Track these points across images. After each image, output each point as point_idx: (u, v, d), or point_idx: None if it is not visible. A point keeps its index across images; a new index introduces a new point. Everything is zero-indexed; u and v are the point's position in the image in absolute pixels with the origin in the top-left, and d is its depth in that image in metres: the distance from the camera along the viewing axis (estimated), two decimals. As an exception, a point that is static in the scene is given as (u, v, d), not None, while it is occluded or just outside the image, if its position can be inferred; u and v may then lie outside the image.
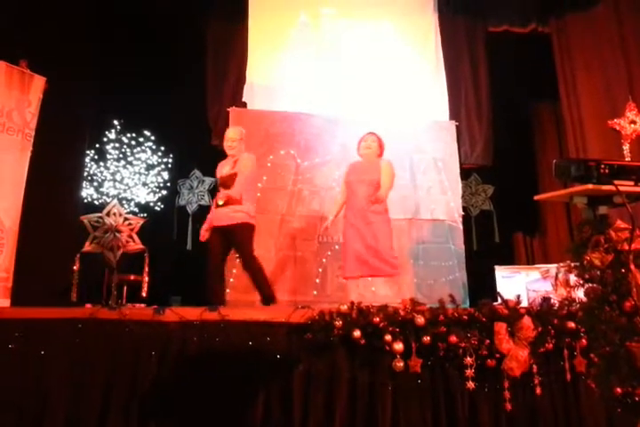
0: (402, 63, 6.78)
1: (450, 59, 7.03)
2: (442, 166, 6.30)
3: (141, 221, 4.99)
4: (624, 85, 6.09)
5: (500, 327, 2.92)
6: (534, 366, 2.98)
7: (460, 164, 6.55)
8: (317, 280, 5.63)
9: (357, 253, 4.42)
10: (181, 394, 2.85)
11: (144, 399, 2.84)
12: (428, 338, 2.90)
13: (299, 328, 2.96)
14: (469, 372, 2.91)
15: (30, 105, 4.34)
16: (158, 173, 7.20)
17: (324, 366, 2.91)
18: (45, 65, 4.48)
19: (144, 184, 7.10)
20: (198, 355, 2.91)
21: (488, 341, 2.93)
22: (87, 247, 4.75)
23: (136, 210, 6.88)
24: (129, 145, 7.07)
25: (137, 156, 7.11)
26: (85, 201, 6.52)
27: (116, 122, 6.97)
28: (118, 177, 6.97)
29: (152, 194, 7.13)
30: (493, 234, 7.24)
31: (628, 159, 4.76)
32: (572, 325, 3.05)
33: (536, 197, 2.48)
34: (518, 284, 5.33)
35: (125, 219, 4.90)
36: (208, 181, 6.83)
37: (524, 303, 3.32)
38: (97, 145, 6.84)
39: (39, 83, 4.40)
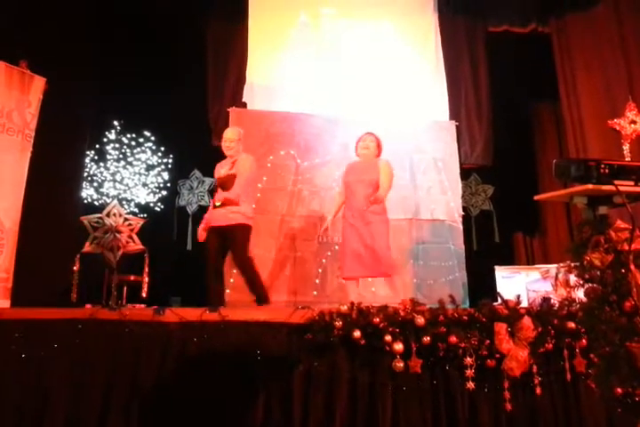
0: (402, 63, 6.78)
1: (450, 59, 7.03)
2: (442, 166, 6.30)
3: (141, 222, 4.98)
4: (624, 85, 6.09)
5: (500, 328, 2.92)
6: (534, 367, 2.98)
7: (460, 164, 6.55)
8: (317, 281, 5.62)
9: (355, 253, 4.42)
10: (181, 394, 2.85)
11: (144, 400, 2.84)
12: (428, 338, 2.90)
13: (299, 329, 2.96)
14: (469, 372, 2.91)
15: (30, 105, 4.34)
16: (158, 174, 7.21)
17: (324, 366, 2.91)
18: (45, 65, 4.48)
19: (144, 185, 7.11)
20: (198, 355, 2.91)
21: (488, 341, 2.93)
22: (87, 248, 4.75)
23: (136, 210, 6.88)
24: (129, 145, 7.07)
25: (137, 156, 7.11)
26: (85, 201, 6.53)
27: (116, 122, 6.97)
28: (118, 177, 6.98)
29: (152, 194, 7.13)
30: (493, 234, 7.24)
31: (628, 159, 4.76)
32: (572, 325, 3.05)
33: (536, 197, 2.48)
34: (518, 284, 5.33)
35: (125, 219, 4.89)
36: (208, 181, 6.84)
37: (524, 303, 3.32)
38: (97, 145, 6.84)
39: (39, 83, 4.40)
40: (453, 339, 2.91)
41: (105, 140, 6.94)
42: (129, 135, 7.06)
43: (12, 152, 4.18)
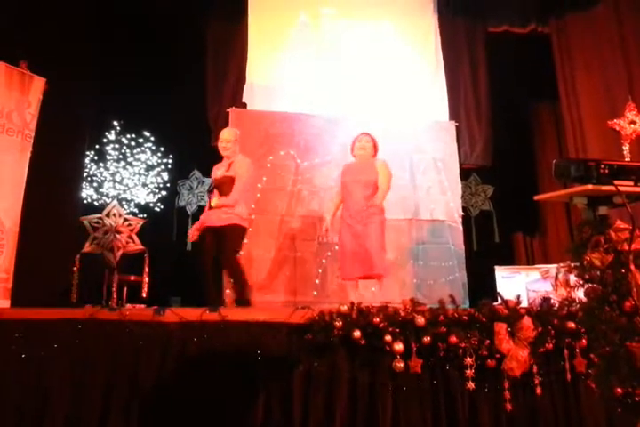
0: (402, 63, 6.78)
1: (449, 59, 7.03)
2: (441, 167, 6.30)
3: (141, 222, 5.00)
4: (624, 85, 6.10)
5: (500, 328, 2.92)
6: (534, 367, 2.98)
7: (460, 164, 6.55)
8: (317, 281, 5.63)
9: (353, 253, 4.43)
10: (182, 394, 2.85)
11: (144, 400, 2.84)
12: (429, 338, 2.90)
13: (299, 329, 2.96)
14: (469, 372, 2.91)
15: (30, 106, 4.33)
16: (158, 174, 7.21)
17: (324, 366, 2.91)
18: (45, 65, 4.48)
19: (144, 185, 7.11)
20: (198, 355, 2.91)
21: (488, 341, 2.93)
22: (87, 248, 4.76)
23: (136, 211, 6.89)
24: (129, 146, 7.07)
25: (137, 156, 7.11)
26: (85, 202, 6.53)
27: (115, 122, 6.97)
28: (118, 178, 6.98)
29: (152, 195, 7.13)
30: (493, 234, 7.24)
31: (627, 159, 4.76)
32: (572, 325, 3.05)
33: (536, 198, 2.48)
34: (518, 284, 5.34)
35: (125, 220, 4.91)
36: (208, 181, 6.81)
37: (524, 304, 3.32)
38: (97, 146, 6.85)
39: (39, 84, 4.40)
40: (453, 339, 2.91)
41: (105, 140, 6.94)
42: (129, 135, 7.06)
43: (11, 152, 4.18)
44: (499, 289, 5.25)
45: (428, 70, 6.90)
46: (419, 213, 6.11)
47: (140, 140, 7.14)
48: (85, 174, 6.60)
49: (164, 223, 6.86)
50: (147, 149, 7.17)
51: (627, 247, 2.06)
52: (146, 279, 4.93)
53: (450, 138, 6.49)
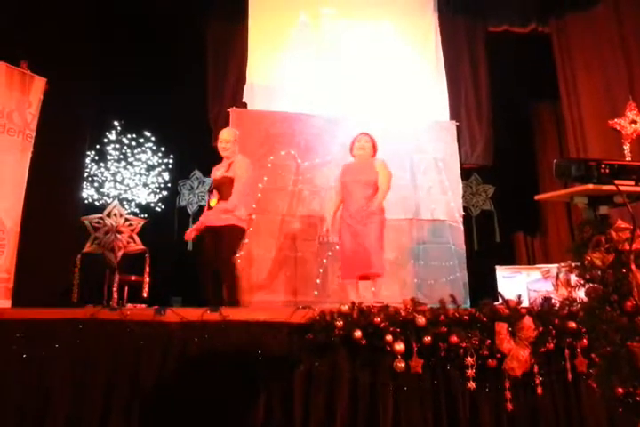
0: (402, 63, 6.78)
1: (450, 59, 7.03)
2: (442, 166, 6.30)
3: (142, 222, 5.00)
4: (624, 85, 6.09)
5: (501, 327, 2.92)
6: (535, 366, 2.98)
7: (461, 164, 6.55)
8: (318, 281, 5.62)
9: (353, 252, 4.43)
10: (182, 394, 2.85)
11: (145, 400, 2.84)
12: (429, 338, 2.91)
13: (300, 329, 2.96)
14: (470, 372, 2.91)
15: (31, 106, 4.33)
16: (159, 174, 7.21)
17: (325, 366, 2.91)
18: (45, 65, 4.48)
19: (145, 185, 7.11)
20: (199, 355, 2.91)
21: (489, 341, 2.93)
22: (88, 248, 4.76)
23: (137, 211, 6.89)
24: (129, 146, 7.07)
25: (137, 156, 7.12)
26: (86, 202, 6.53)
27: (116, 122, 6.97)
28: (119, 178, 6.98)
29: (153, 195, 7.14)
30: (494, 234, 7.25)
31: (628, 159, 4.75)
32: (573, 325, 3.06)
33: (537, 197, 2.48)
34: (519, 284, 5.33)
35: (126, 219, 4.91)
36: (208, 181, 6.81)
37: (525, 303, 3.33)
38: (97, 146, 6.85)
39: (39, 84, 4.40)
40: (454, 339, 2.92)
41: (105, 140, 6.94)
42: (129, 135, 7.07)
43: (12, 152, 4.18)
44: (499, 289, 5.25)
45: (429, 70, 6.90)
46: (419, 213, 6.11)
47: (141, 140, 7.14)
48: (86, 174, 6.60)
49: (164, 223, 6.86)
50: (147, 149, 7.17)
51: (628, 247, 2.06)
52: (147, 279, 4.93)
53: (450, 138, 6.49)
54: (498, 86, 7.13)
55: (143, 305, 4.60)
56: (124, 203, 6.76)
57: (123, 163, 7.03)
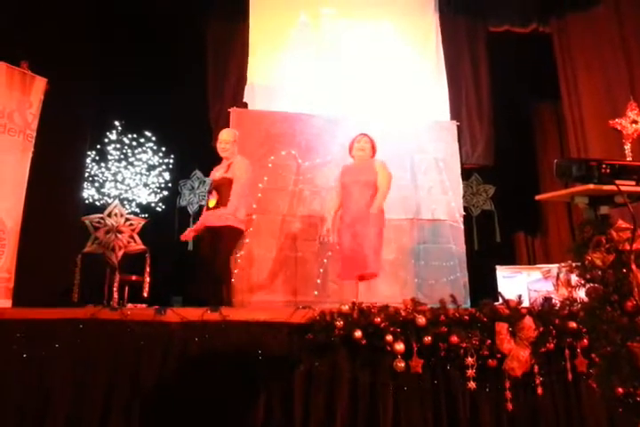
0: (402, 63, 6.77)
1: (450, 58, 7.02)
2: (443, 166, 6.29)
3: (142, 222, 5.00)
4: (625, 85, 6.09)
5: (502, 327, 2.92)
6: (535, 366, 2.98)
7: (461, 164, 6.54)
8: (318, 281, 5.62)
9: (351, 253, 4.43)
10: (183, 394, 2.85)
11: (146, 400, 2.84)
12: (429, 338, 2.91)
13: (300, 328, 2.96)
14: (470, 372, 2.91)
15: (31, 106, 4.33)
16: (159, 174, 7.22)
17: (325, 366, 2.91)
18: (46, 65, 4.48)
19: (145, 185, 7.12)
20: (199, 355, 2.91)
21: (489, 341, 2.94)
22: (88, 248, 4.76)
23: (137, 210, 6.90)
24: (130, 146, 7.08)
25: (138, 156, 7.12)
26: (87, 202, 6.53)
27: (116, 122, 6.98)
28: (119, 178, 6.99)
29: (153, 194, 7.14)
30: (494, 234, 7.24)
31: (629, 159, 4.76)
32: (573, 325, 3.06)
33: (537, 197, 2.48)
34: (519, 284, 5.33)
35: (127, 219, 4.91)
36: (209, 181, 6.83)
37: (526, 303, 3.33)
38: (98, 146, 6.85)
39: (40, 84, 4.40)
40: (454, 339, 2.92)
41: (106, 140, 6.95)
42: (130, 135, 7.07)
43: (13, 152, 4.18)
44: (500, 289, 5.25)
45: (429, 70, 6.89)
46: (420, 213, 6.10)
47: (142, 140, 7.15)
48: (87, 174, 6.60)
49: (165, 223, 6.87)
50: (148, 149, 7.18)
51: (628, 247, 2.05)
52: (147, 279, 4.94)
53: (451, 138, 6.48)
54: (499, 86, 7.12)
55: (144, 305, 4.60)
56: (125, 203, 6.76)
57: (123, 163, 7.03)
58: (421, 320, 2.91)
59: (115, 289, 4.67)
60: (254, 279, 5.53)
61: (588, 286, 2.15)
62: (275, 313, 3.08)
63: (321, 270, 5.64)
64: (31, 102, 4.33)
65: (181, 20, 6.62)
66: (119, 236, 4.79)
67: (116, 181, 6.96)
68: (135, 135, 7.09)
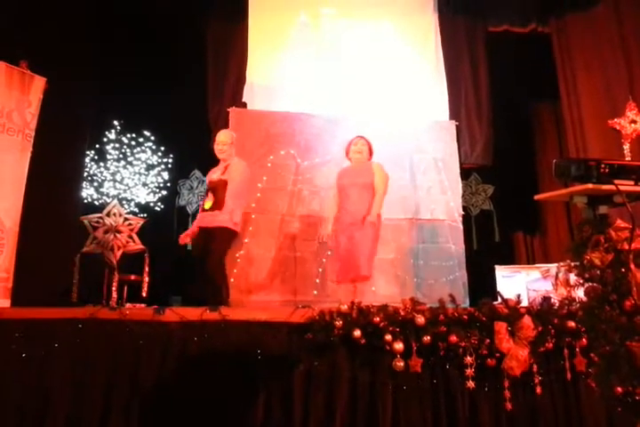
0: (402, 63, 6.77)
1: (450, 59, 7.02)
2: (442, 166, 6.29)
3: (141, 222, 4.99)
4: (624, 85, 6.09)
5: (501, 327, 2.92)
6: (534, 366, 2.99)
7: (460, 163, 6.54)
8: (317, 280, 5.62)
9: (346, 255, 4.43)
10: (182, 394, 2.85)
11: (145, 399, 2.85)
12: (429, 338, 2.91)
13: (299, 328, 2.97)
14: (469, 371, 2.91)
15: (30, 105, 4.33)
16: (158, 174, 7.21)
17: (324, 365, 2.91)
18: (45, 65, 4.47)
19: (144, 184, 7.11)
20: (199, 355, 2.91)
21: (488, 340, 2.94)
22: (87, 247, 4.75)
23: (136, 210, 6.89)
24: (129, 145, 7.07)
25: (137, 156, 7.11)
26: (85, 201, 6.53)
27: (116, 122, 6.97)
28: (118, 177, 6.98)
29: (152, 194, 7.14)
30: (493, 234, 7.24)
31: (628, 159, 4.76)
32: (572, 324, 3.06)
33: (536, 197, 2.48)
34: (518, 283, 5.34)
35: (125, 219, 4.90)
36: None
37: (525, 303, 3.33)
38: (97, 145, 6.85)
39: (39, 83, 4.40)
40: (454, 338, 2.92)
41: (105, 139, 6.94)
42: (129, 135, 7.07)
43: (12, 152, 4.18)
44: (499, 288, 5.25)
45: (429, 70, 6.89)
46: (419, 213, 6.10)
47: (141, 140, 7.14)
48: (86, 174, 6.60)
49: (164, 223, 6.86)
50: (147, 149, 7.17)
51: (627, 246, 2.06)
52: (146, 279, 4.93)
53: (450, 137, 6.48)
54: (498, 86, 7.13)
55: (142, 305, 4.60)
56: (124, 202, 6.76)
57: (122, 162, 7.02)
58: (420, 320, 2.92)
59: (113, 289, 4.66)
60: (253, 279, 5.54)
61: (586, 285, 2.15)
62: (274, 313, 3.09)
63: (320, 270, 5.64)
64: (30, 102, 4.33)
65: (181, 20, 6.61)
66: (118, 235, 4.79)
67: (114, 180, 6.95)
68: (134, 135, 7.09)
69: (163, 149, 7.23)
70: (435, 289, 5.72)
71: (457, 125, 6.64)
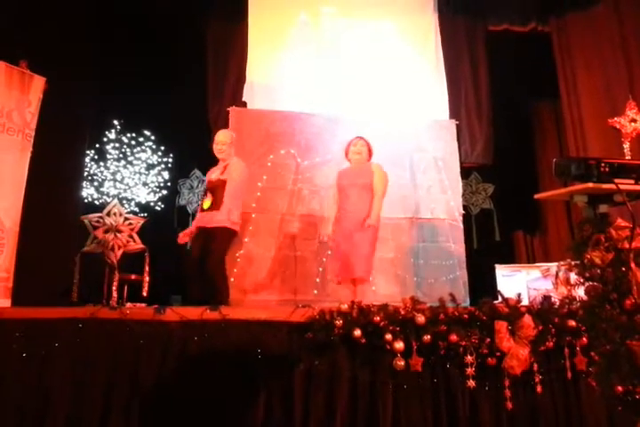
0: (402, 62, 6.77)
1: (450, 58, 7.02)
2: (442, 165, 6.29)
3: (142, 221, 4.98)
4: (624, 84, 6.09)
5: (501, 326, 2.92)
6: (535, 365, 2.99)
7: (461, 162, 6.54)
8: (317, 280, 5.62)
9: (343, 256, 4.43)
10: (182, 393, 2.85)
11: (145, 399, 2.84)
12: (429, 337, 2.91)
13: (299, 327, 2.97)
14: (470, 370, 2.91)
15: (30, 105, 4.33)
16: (158, 173, 7.22)
17: (324, 365, 2.91)
18: (45, 65, 4.47)
19: (144, 184, 7.12)
20: (199, 354, 2.91)
21: (489, 339, 2.94)
22: (88, 247, 4.75)
23: (136, 210, 6.89)
24: (129, 145, 7.08)
25: (137, 155, 7.12)
26: (86, 201, 6.53)
27: (116, 122, 6.97)
28: (118, 177, 6.98)
29: (152, 194, 7.14)
30: (494, 233, 7.24)
31: (628, 158, 4.76)
32: (572, 323, 3.06)
33: (536, 196, 2.48)
34: (519, 282, 5.34)
35: (126, 218, 4.89)
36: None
37: (525, 302, 3.33)
38: (97, 145, 6.85)
39: (39, 83, 4.40)
40: (454, 337, 2.92)
41: (105, 139, 6.95)
42: (129, 135, 7.07)
43: (12, 152, 4.17)
44: (499, 287, 5.26)
45: (429, 69, 6.89)
46: (419, 212, 6.10)
47: (141, 140, 7.15)
48: (86, 173, 6.60)
49: (164, 222, 6.86)
50: (147, 148, 7.18)
51: (627, 245, 2.06)
52: (146, 278, 4.93)
53: (450, 137, 6.48)
54: (498, 85, 7.12)
55: (143, 304, 4.60)
56: (124, 202, 6.76)
57: (122, 162, 7.03)
58: (421, 319, 2.92)
59: (114, 288, 4.65)
60: (253, 278, 5.53)
61: (587, 284, 2.16)
62: (274, 312, 3.09)
63: (320, 269, 5.63)
64: (30, 101, 4.33)
65: (181, 20, 6.61)
66: (118, 235, 4.78)
67: (115, 180, 6.96)
68: (134, 134, 7.09)
69: (163, 148, 7.23)
70: (435, 288, 5.72)
71: (457, 124, 6.64)
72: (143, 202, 7.04)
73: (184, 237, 4.46)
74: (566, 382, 3.09)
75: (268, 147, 5.91)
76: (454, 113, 6.83)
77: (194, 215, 6.61)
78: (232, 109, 6.05)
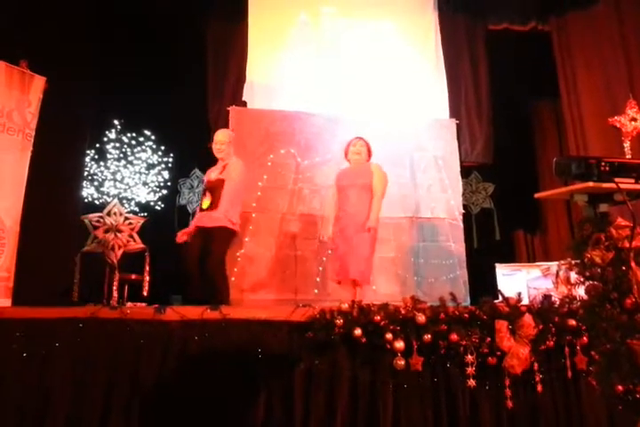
0: (402, 62, 6.77)
1: (450, 57, 7.02)
2: (442, 164, 6.29)
3: (142, 221, 4.99)
4: (624, 83, 6.09)
5: (501, 325, 2.92)
6: (535, 364, 2.99)
7: (461, 162, 6.54)
8: (318, 279, 5.62)
9: (344, 257, 4.43)
10: (183, 393, 2.85)
11: (145, 398, 2.85)
12: (429, 336, 2.91)
13: (300, 327, 2.97)
14: (470, 370, 2.91)
15: (30, 105, 4.33)
16: (159, 173, 7.22)
17: (325, 364, 2.91)
18: (45, 65, 4.47)
19: (144, 184, 7.12)
20: (199, 354, 2.91)
21: (489, 339, 2.94)
22: (88, 247, 4.76)
23: (137, 209, 6.89)
24: (129, 145, 7.08)
25: (137, 155, 7.12)
26: (86, 201, 6.53)
27: (116, 122, 6.97)
28: (119, 176, 6.99)
29: (152, 193, 7.14)
30: (494, 232, 7.24)
31: (628, 157, 4.76)
32: (572, 322, 3.06)
33: (537, 195, 2.48)
34: (519, 281, 5.35)
35: (126, 218, 4.90)
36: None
37: (525, 301, 3.32)
38: (97, 145, 6.85)
39: (39, 83, 4.40)
40: (454, 337, 2.92)
41: (105, 139, 6.95)
42: (129, 134, 7.07)
43: (12, 152, 4.18)
44: (499, 287, 5.26)
45: (429, 68, 6.89)
46: (419, 212, 6.11)
47: (141, 139, 7.15)
48: (86, 173, 6.60)
49: (164, 222, 6.86)
50: (147, 148, 7.17)
51: (627, 245, 2.06)
52: (147, 278, 4.94)
53: (450, 136, 6.48)
54: (498, 84, 7.12)
55: (143, 304, 4.60)
56: (124, 202, 6.76)
57: (122, 162, 7.03)
58: (421, 318, 2.92)
59: (114, 288, 4.66)
60: (254, 278, 5.54)
61: (587, 283, 2.15)
62: (275, 311, 3.09)
63: (320, 269, 5.64)
64: (30, 101, 4.33)
65: (181, 20, 6.61)
66: (118, 235, 4.79)
67: (115, 179, 6.96)
68: (134, 134, 7.09)
69: (163, 148, 7.23)
70: (435, 288, 5.73)
71: (457, 124, 6.64)
72: (143, 202, 7.04)
73: (182, 237, 4.46)
74: (567, 382, 3.09)
75: (268, 146, 5.92)
76: (454, 112, 6.83)
77: (194, 215, 6.61)
78: (232, 109, 6.05)
